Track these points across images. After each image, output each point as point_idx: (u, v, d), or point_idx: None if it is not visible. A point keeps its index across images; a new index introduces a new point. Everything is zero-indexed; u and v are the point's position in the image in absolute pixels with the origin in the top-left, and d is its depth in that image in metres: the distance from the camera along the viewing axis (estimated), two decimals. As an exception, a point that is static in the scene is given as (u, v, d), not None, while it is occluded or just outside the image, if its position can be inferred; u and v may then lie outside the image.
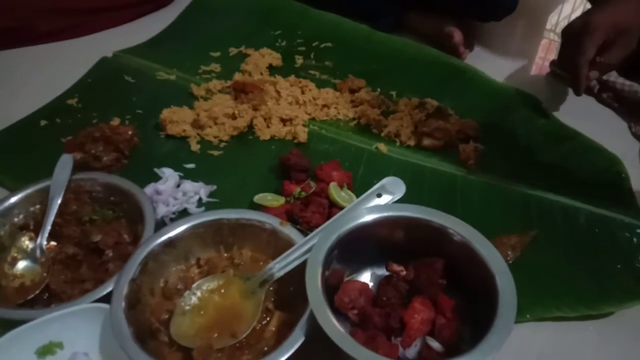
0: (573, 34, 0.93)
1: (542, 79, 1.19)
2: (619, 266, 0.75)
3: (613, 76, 1.05)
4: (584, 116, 1.04)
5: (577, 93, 0.95)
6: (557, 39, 1.38)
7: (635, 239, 0.78)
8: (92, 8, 1.24)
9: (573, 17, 1.48)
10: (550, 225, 0.81)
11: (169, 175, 0.85)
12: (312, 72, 1.13)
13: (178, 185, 0.84)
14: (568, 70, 0.98)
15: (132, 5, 1.30)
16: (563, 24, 1.46)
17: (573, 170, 0.90)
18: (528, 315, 0.69)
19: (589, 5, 1.01)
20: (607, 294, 0.71)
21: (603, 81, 1.06)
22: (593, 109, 1.07)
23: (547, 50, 1.32)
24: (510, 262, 0.73)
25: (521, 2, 1.21)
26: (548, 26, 1.46)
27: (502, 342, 0.53)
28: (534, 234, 0.78)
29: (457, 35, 1.18)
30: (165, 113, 0.96)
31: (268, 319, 0.64)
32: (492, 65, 1.21)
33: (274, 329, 0.63)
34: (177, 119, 0.96)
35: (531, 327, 0.69)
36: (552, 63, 1.18)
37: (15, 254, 0.72)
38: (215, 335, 0.61)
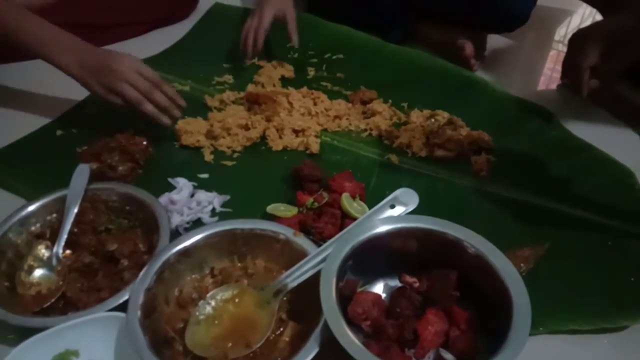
0: (576, 40, 0.98)
1: (552, 90, 1.20)
2: (632, 279, 0.74)
3: (625, 88, 1.05)
4: (596, 128, 1.04)
5: (581, 96, 0.98)
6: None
7: (649, 252, 0.78)
8: (106, 24, 1.27)
9: (582, 28, 1.49)
10: (563, 237, 0.80)
11: (183, 185, 0.86)
12: (324, 83, 1.14)
13: (192, 195, 0.85)
14: (569, 75, 1.00)
15: (146, 22, 1.33)
16: (572, 35, 1.47)
17: (585, 183, 0.90)
18: (541, 328, 0.68)
19: (598, 17, 1.03)
20: (622, 308, 0.71)
21: (615, 93, 1.07)
22: (605, 121, 1.07)
23: (555, 62, 1.32)
24: (524, 274, 0.73)
25: (531, 14, 1.22)
26: (557, 37, 1.46)
27: (516, 355, 0.53)
28: (547, 247, 0.78)
29: (469, 48, 1.19)
30: (180, 124, 0.97)
31: (282, 329, 0.64)
32: (502, 76, 1.22)
33: (287, 339, 0.63)
34: (191, 129, 0.97)
35: (545, 339, 0.68)
36: (563, 75, 1.19)
37: (32, 262, 0.73)
38: (230, 344, 0.61)
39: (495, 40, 1.34)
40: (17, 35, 0.89)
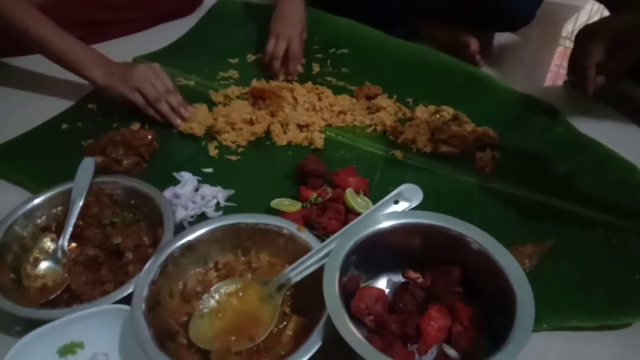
0: (582, 37, 0.97)
1: (558, 87, 1.19)
2: (637, 277, 0.74)
3: (630, 86, 1.04)
4: (602, 125, 1.04)
5: (587, 93, 0.98)
6: (572, 47, 1.38)
7: (653, 250, 0.78)
8: (110, 20, 1.27)
9: (589, 24, 1.48)
10: (568, 234, 0.80)
11: (187, 179, 0.86)
12: (328, 78, 1.14)
13: (196, 190, 0.85)
14: (575, 72, 1.00)
15: (152, 19, 1.33)
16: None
17: (590, 180, 0.90)
18: (545, 325, 0.68)
19: (606, 13, 1.02)
20: (625, 305, 0.71)
21: (621, 91, 1.06)
22: (611, 118, 1.06)
23: (562, 58, 1.32)
24: (527, 271, 0.72)
25: (537, 10, 1.21)
26: (564, 34, 1.45)
27: (519, 351, 0.53)
28: (551, 244, 0.77)
29: (474, 44, 1.18)
30: None
31: (285, 323, 0.65)
32: (508, 73, 1.21)
33: (290, 333, 0.63)
34: (192, 117, 0.98)
35: (548, 336, 0.68)
36: (569, 71, 1.18)
37: (38, 255, 0.74)
38: (233, 338, 0.62)
39: (501, 37, 1.33)
40: (50, 53, 0.97)
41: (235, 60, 1.19)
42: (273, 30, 1.12)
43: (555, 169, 0.92)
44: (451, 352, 0.60)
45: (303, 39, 1.16)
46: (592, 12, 1.56)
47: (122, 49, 1.22)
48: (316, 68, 1.17)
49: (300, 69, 1.15)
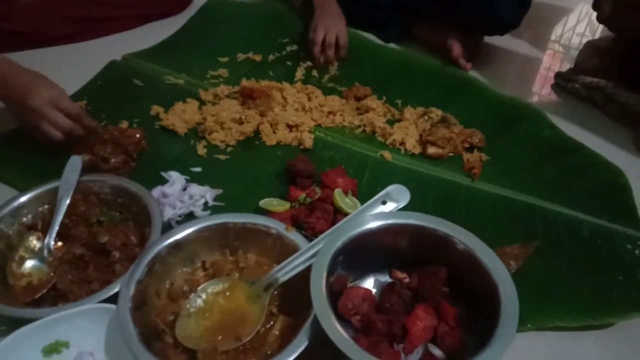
0: None
1: (546, 90, 1.21)
2: (620, 278, 0.75)
3: (617, 89, 1.05)
4: (589, 129, 1.05)
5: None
6: (562, 50, 1.39)
7: (637, 251, 0.79)
8: (101, 17, 1.26)
9: (578, 28, 1.50)
10: (554, 236, 0.81)
11: (175, 178, 0.86)
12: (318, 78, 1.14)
13: (184, 189, 0.85)
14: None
15: (140, 16, 1.32)
16: (568, 35, 1.47)
17: (577, 182, 0.91)
18: (529, 325, 0.69)
19: (593, 17, 1.04)
20: (609, 305, 0.72)
21: (608, 94, 1.07)
22: (597, 122, 1.08)
23: (551, 62, 1.33)
24: (513, 272, 0.74)
25: (527, 13, 1.22)
26: (553, 37, 1.47)
27: (503, 351, 0.54)
28: (537, 245, 0.78)
29: (457, 49, 1.19)
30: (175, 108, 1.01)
31: (272, 322, 0.65)
32: (497, 76, 1.22)
33: (277, 332, 0.64)
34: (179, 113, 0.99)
35: (533, 336, 0.69)
36: (558, 75, 1.19)
37: (23, 254, 0.73)
38: (220, 337, 0.62)
39: (491, 39, 1.34)
40: None
41: (225, 59, 1.19)
42: (321, 23, 1.19)
43: (541, 170, 0.93)
44: (436, 351, 0.61)
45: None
46: (580, 16, 1.58)
47: (112, 47, 1.21)
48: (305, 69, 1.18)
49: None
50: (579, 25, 1.53)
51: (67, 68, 1.14)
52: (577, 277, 0.76)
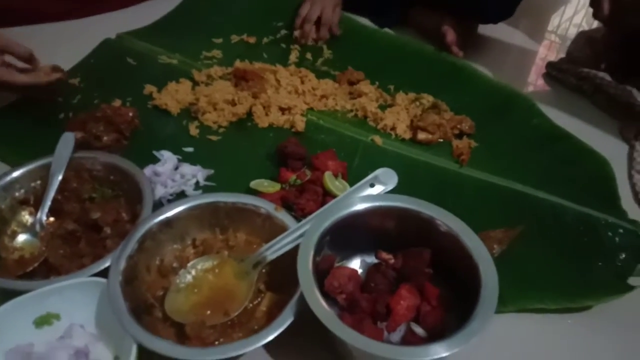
0: None
1: (538, 79, 1.22)
2: (600, 263, 0.77)
3: (606, 80, 1.07)
4: (577, 118, 1.07)
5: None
6: (558, 41, 1.40)
7: (617, 238, 0.81)
8: None
9: (575, 19, 1.50)
10: (538, 222, 0.83)
11: (167, 157, 0.87)
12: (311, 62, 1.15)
13: (176, 168, 0.86)
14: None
15: None
16: (565, 25, 1.48)
17: (563, 170, 0.92)
18: (510, 306, 0.71)
19: (590, 9, 1.04)
20: (588, 289, 0.74)
21: (597, 84, 1.09)
22: (586, 111, 1.09)
23: (547, 52, 1.34)
24: (496, 255, 0.76)
25: (523, 2, 1.23)
26: (550, 27, 1.47)
27: (481, 328, 0.56)
28: (521, 230, 0.80)
29: (450, 35, 1.19)
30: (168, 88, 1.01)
31: (260, 299, 0.66)
32: (492, 63, 1.22)
33: (264, 309, 0.65)
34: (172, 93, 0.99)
35: (513, 317, 0.71)
36: (549, 65, 1.20)
37: (16, 228, 0.74)
38: (208, 312, 0.63)
39: (487, 28, 1.34)
40: None
41: (219, 40, 1.19)
42: None
43: (529, 158, 0.95)
44: (418, 329, 0.63)
45: (339, 13, 1.23)
46: (578, 6, 1.58)
47: (106, 25, 1.21)
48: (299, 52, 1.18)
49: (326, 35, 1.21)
50: (576, 16, 1.54)
51: (62, 45, 1.13)
52: (558, 261, 0.77)
